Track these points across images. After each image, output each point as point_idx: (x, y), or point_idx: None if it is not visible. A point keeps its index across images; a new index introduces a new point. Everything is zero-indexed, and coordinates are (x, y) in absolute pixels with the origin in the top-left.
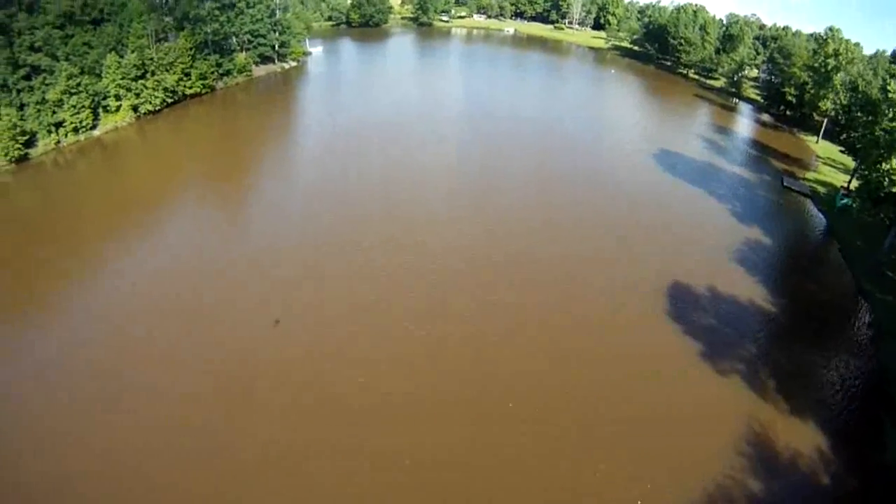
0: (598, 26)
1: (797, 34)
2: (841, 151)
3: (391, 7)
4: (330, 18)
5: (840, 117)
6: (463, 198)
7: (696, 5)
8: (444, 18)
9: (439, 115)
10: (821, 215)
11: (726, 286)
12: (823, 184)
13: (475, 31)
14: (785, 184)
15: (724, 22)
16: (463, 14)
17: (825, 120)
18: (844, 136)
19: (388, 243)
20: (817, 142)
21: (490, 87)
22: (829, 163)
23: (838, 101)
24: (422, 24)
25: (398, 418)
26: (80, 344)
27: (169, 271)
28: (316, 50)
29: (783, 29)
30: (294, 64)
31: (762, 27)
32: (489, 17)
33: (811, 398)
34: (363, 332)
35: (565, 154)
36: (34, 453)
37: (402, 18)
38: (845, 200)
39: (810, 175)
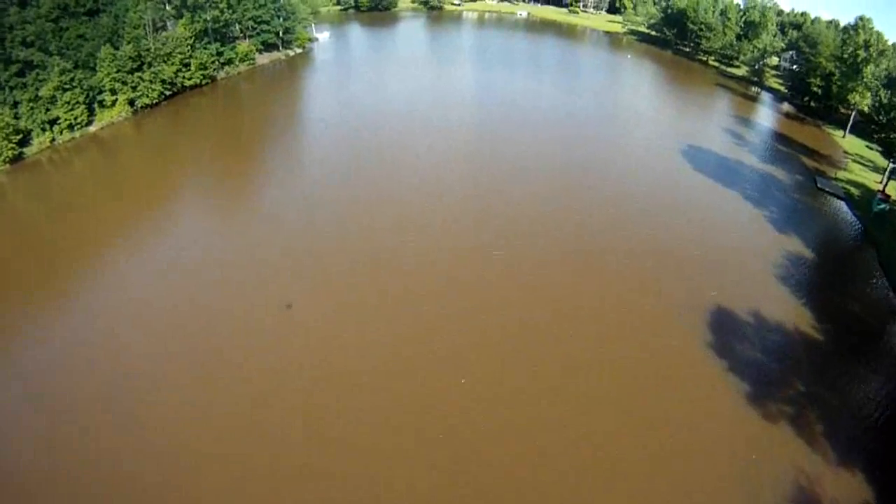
0: (613, 10)
1: (817, 21)
2: (868, 147)
3: None
4: (338, 3)
5: (880, 115)
6: (475, 203)
7: None
8: (456, 2)
9: (450, 108)
10: (856, 220)
11: (770, 310)
12: (856, 184)
13: (487, 15)
14: (818, 185)
15: (742, 6)
16: None
17: (853, 113)
18: (882, 135)
19: (401, 253)
20: (844, 136)
21: (504, 74)
22: (858, 160)
23: (878, 98)
24: (432, 8)
25: None
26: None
27: (171, 272)
28: (323, 36)
29: (801, 15)
30: (299, 51)
31: (780, 13)
32: (501, 0)
33: (859, 445)
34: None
35: (584, 150)
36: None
37: (412, 2)
38: (882, 206)
39: (841, 174)
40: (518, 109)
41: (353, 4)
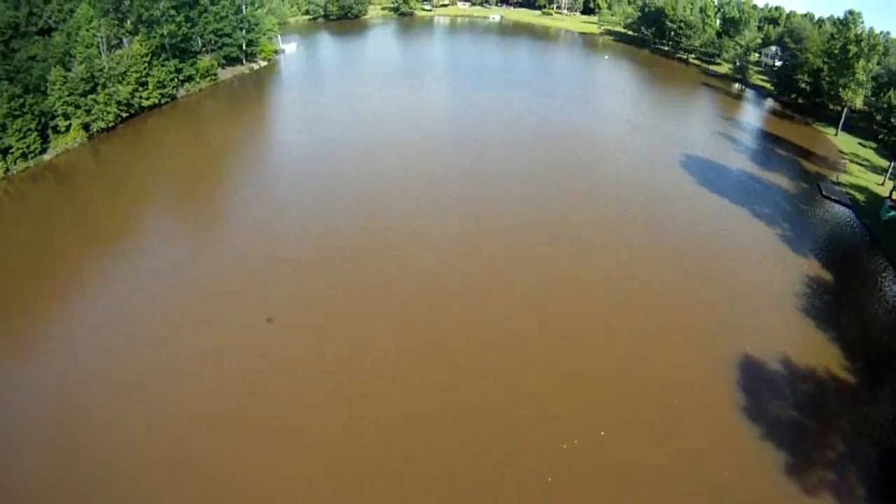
0: (587, 11)
1: (792, 14)
2: (861, 144)
3: None
4: (307, 12)
5: (881, 114)
6: (453, 234)
7: None
8: (427, 7)
9: (423, 120)
10: (865, 230)
11: (801, 353)
12: (859, 188)
13: (459, 20)
14: (823, 192)
15: (716, 3)
16: (445, 2)
17: (845, 111)
18: (883, 136)
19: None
20: (836, 134)
21: (480, 83)
22: (854, 160)
23: (886, 98)
24: (403, 14)
25: None
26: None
27: (135, 309)
28: (289, 47)
29: (776, 9)
30: (264, 64)
31: (754, 7)
32: (473, 3)
33: None
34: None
35: (573, 167)
36: None
37: (383, 9)
38: (893, 213)
39: (843, 178)
40: (498, 122)
41: (322, 13)
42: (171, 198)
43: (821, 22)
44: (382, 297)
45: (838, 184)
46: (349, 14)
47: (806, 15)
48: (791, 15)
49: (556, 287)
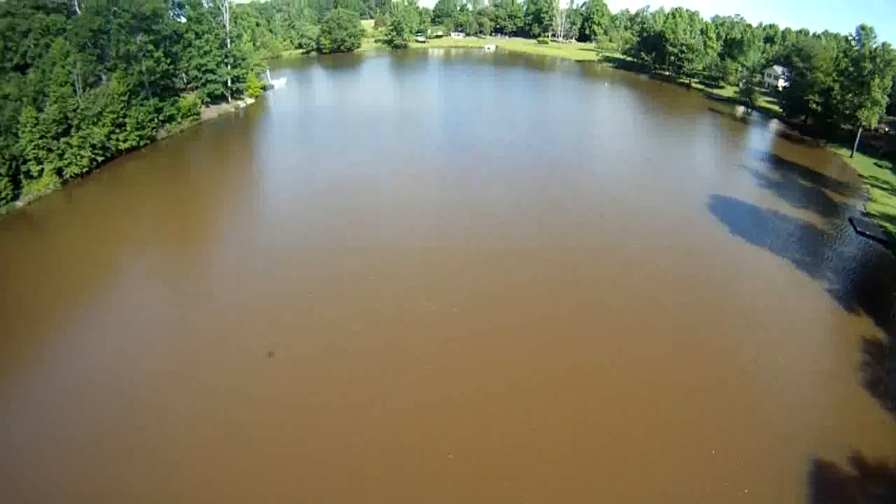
0: (583, 38)
1: (787, 32)
2: (877, 165)
3: (363, 30)
4: (300, 46)
5: None
6: (455, 290)
7: (687, 9)
8: (420, 39)
9: (417, 159)
10: None
11: (872, 445)
12: (889, 218)
13: (454, 51)
14: (857, 228)
15: (707, 23)
16: (440, 33)
17: (860, 131)
18: None
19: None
20: (851, 156)
21: (480, 119)
22: (875, 184)
23: None
24: (396, 47)
25: None
26: None
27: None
28: (279, 83)
29: (771, 27)
30: (251, 101)
31: (748, 27)
32: (468, 34)
33: None
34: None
35: (590, 214)
36: None
37: (376, 41)
38: None
39: (870, 206)
40: (502, 162)
41: (314, 47)
42: (150, 248)
43: (817, 37)
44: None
45: (868, 214)
46: (342, 47)
47: (801, 31)
48: (787, 32)
49: (580, 378)
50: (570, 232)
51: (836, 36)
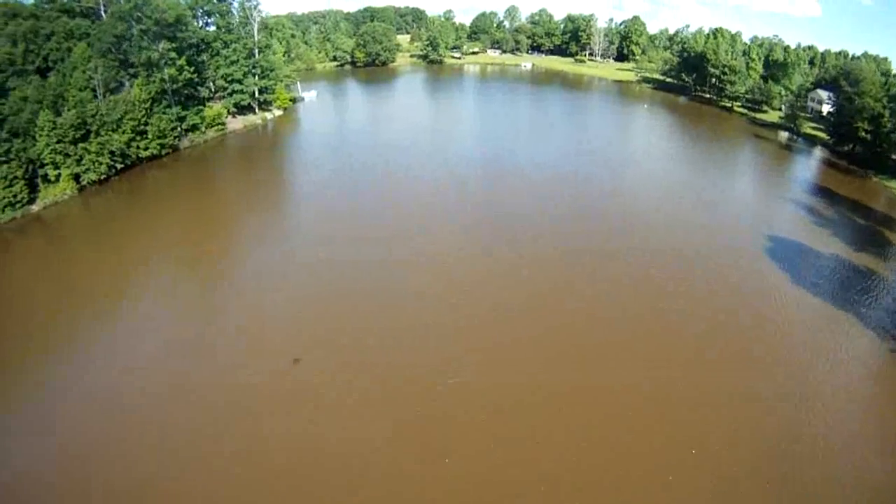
0: (621, 57)
1: (827, 54)
2: None
3: (398, 44)
4: (334, 59)
5: None
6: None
7: (726, 30)
8: (456, 55)
9: (451, 188)
10: None
11: None
12: None
13: (489, 68)
14: None
15: (749, 43)
16: (476, 49)
17: None
18: None
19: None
20: None
21: (511, 137)
22: None
23: None
24: (432, 62)
25: None
26: None
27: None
28: (309, 95)
29: (809, 48)
30: (279, 113)
31: (787, 48)
32: (504, 51)
33: None
34: None
35: (642, 255)
36: None
37: (411, 56)
38: None
39: None
40: (539, 198)
41: (349, 60)
42: (167, 260)
43: (857, 59)
44: None
45: None
46: (376, 61)
47: (841, 52)
48: (826, 54)
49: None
50: (603, 265)
51: (875, 58)
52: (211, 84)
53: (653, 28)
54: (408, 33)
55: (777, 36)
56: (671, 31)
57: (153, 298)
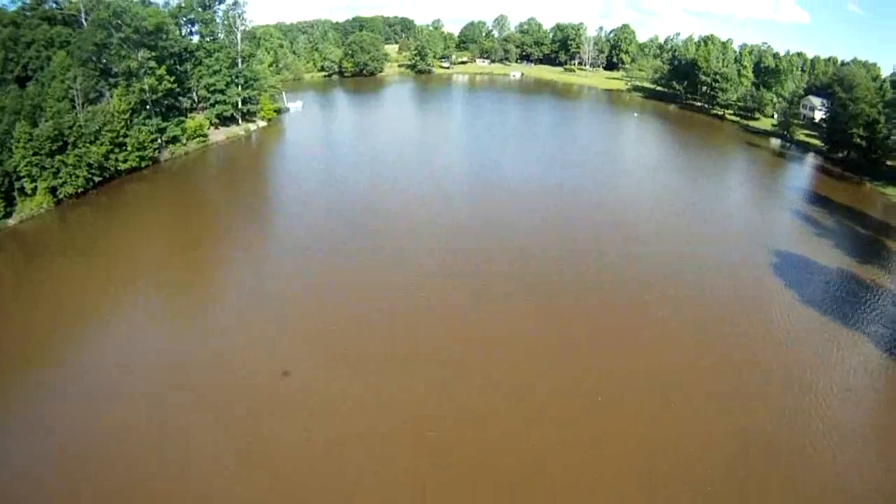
0: (610, 66)
1: (816, 61)
2: None
3: (387, 54)
4: (322, 69)
5: None
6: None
7: (717, 37)
8: (445, 65)
9: (438, 206)
10: None
11: None
12: None
13: (478, 77)
14: None
15: (741, 50)
16: (465, 59)
17: None
18: None
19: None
20: None
21: (500, 148)
22: None
23: None
24: (420, 72)
25: None
26: None
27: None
28: (295, 106)
29: (798, 55)
30: (263, 124)
31: (777, 55)
32: (493, 61)
33: None
34: None
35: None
36: None
37: (399, 66)
38: None
39: None
40: (528, 214)
41: (337, 70)
42: (146, 275)
43: (845, 65)
44: None
45: None
46: (364, 71)
47: (829, 59)
48: (816, 61)
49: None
50: (597, 281)
51: (864, 63)
52: (194, 94)
53: (642, 37)
54: (396, 43)
55: (766, 43)
56: (661, 40)
57: (132, 315)
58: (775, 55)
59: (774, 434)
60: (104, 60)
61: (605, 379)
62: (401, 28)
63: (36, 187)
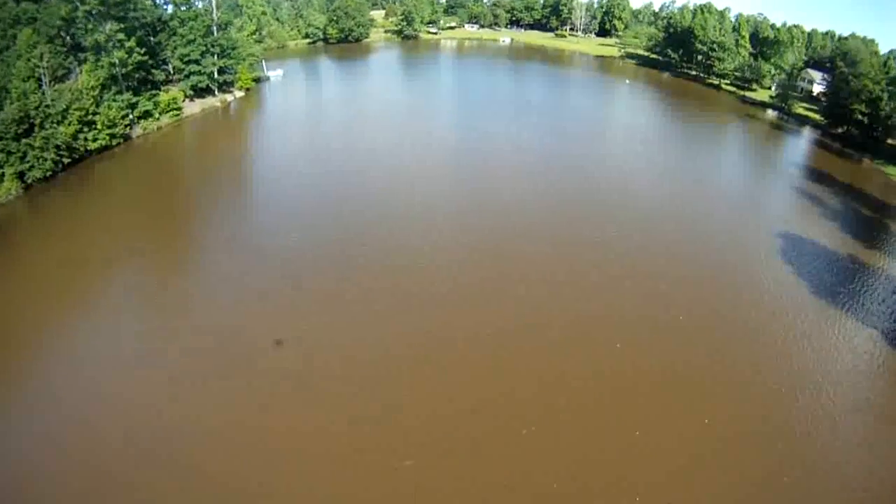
0: (602, 32)
1: (814, 34)
2: None
3: (373, 20)
4: (307, 35)
5: None
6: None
7: (712, 6)
8: (433, 30)
9: (420, 184)
10: None
11: None
12: None
13: (467, 43)
14: None
15: (739, 20)
16: (453, 24)
17: None
18: None
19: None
20: None
21: (490, 116)
22: None
23: None
24: (407, 38)
25: None
26: None
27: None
28: (275, 74)
29: (795, 27)
30: (241, 95)
31: (773, 26)
32: (482, 26)
33: None
34: None
35: (648, 270)
36: None
37: (386, 32)
38: None
39: None
40: (513, 179)
41: (321, 37)
42: (122, 258)
43: (842, 40)
44: None
45: None
46: (349, 38)
47: (828, 33)
48: (813, 34)
49: None
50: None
51: (863, 39)
52: (169, 66)
53: (636, 3)
54: (383, 9)
55: (762, 14)
56: (655, 7)
57: (110, 300)
58: (772, 26)
59: None
60: (72, 35)
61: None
62: None
63: (3, 174)
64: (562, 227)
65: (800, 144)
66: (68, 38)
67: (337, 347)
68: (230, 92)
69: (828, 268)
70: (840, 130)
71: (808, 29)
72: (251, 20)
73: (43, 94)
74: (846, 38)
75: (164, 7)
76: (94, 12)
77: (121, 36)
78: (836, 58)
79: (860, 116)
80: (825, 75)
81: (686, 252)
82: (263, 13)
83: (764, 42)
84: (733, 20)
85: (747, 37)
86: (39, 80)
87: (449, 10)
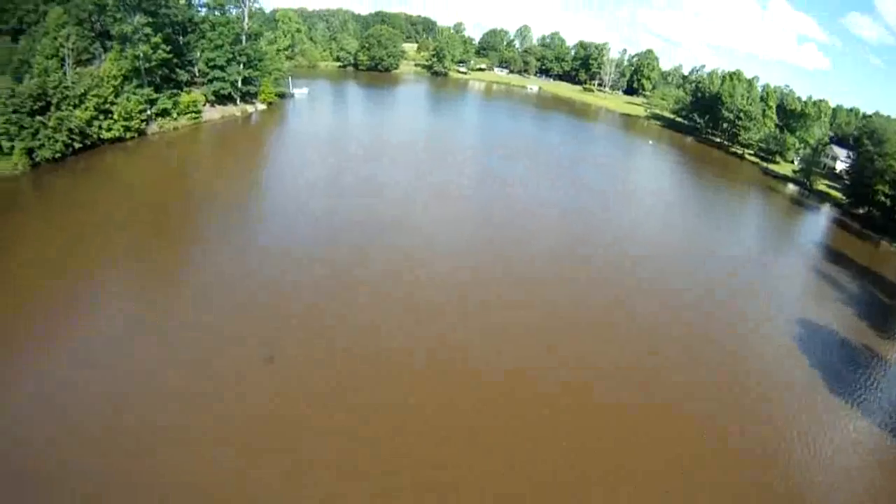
0: (630, 90)
1: (838, 110)
2: None
3: (404, 52)
4: (338, 58)
5: None
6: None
7: (741, 74)
8: (462, 69)
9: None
10: None
11: None
12: None
13: (495, 86)
14: None
15: (767, 90)
16: (483, 66)
17: None
18: None
19: None
20: None
21: (512, 163)
22: None
23: None
24: (436, 74)
25: None
26: None
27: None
28: (300, 92)
29: (820, 102)
30: (262, 108)
31: (799, 100)
32: (511, 71)
33: None
34: None
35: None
36: None
37: (416, 65)
38: None
39: None
40: (547, 241)
41: (352, 62)
42: (116, 250)
43: (868, 118)
44: None
45: None
46: (379, 66)
47: (852, 110)
48: (838, 110)
49: None
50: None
51: (888, 118)
52: (195, 69)
53: (664, 65)
54: (416, 42)
55: (788, 86)
56: (685, 71)
57: (106, 290)
58: (799, 99)
59: None
60: (101, 22)
61: None
62: (422, 27)
63: (13, 147)
64: (577, 288)
65: (819, 222)
66: (97, 24)
67: None
68: (252, 103)
69: (843, 360)
70: (861, 211)
71: (832, 104)
72: (285, 35)
73: (64, 74)
74: (870, 116)
75: (199, 9)
76: (125, 2)
77: (148, 30)
78: (863, 136)
79: (882, 198)
80: (849, 153)
81: (693, 330)
82: (298, 30)
83: (790, 115)
84: (760, 90)
85: (774, 108)
86: (63, 60)
87: (480, 52)
